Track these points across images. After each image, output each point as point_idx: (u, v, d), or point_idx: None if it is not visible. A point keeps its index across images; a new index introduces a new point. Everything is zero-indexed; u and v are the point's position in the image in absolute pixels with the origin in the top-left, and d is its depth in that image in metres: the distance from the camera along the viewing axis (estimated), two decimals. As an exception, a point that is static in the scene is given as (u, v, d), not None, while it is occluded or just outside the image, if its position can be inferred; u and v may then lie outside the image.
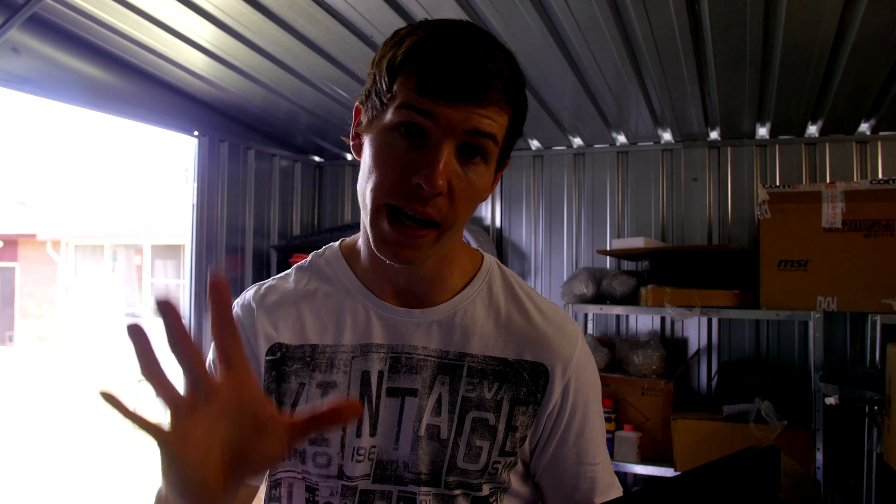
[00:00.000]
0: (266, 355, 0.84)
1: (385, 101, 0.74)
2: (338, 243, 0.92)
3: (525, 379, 0.83)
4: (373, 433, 0.82)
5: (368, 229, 0.76)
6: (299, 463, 0.82)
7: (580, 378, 0.86)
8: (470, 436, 0.81)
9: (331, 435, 0.81)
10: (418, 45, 0.72)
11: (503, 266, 0.92)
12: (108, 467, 5.74)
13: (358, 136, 0.81)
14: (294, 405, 0.83)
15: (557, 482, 0.87)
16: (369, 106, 0.77)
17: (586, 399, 0.86)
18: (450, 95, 0.70)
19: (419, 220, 0.73)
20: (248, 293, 0.89)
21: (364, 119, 0.79)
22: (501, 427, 0.82)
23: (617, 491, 0.90)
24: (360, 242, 0.87)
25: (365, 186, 0.76)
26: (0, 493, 5.14)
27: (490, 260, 0.91)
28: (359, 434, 0.81)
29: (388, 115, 0.74)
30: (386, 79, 0.74)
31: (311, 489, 0.82)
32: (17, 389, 9.18)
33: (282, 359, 0.84)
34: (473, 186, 0.75)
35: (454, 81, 0.70)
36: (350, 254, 0.89)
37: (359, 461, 0.81)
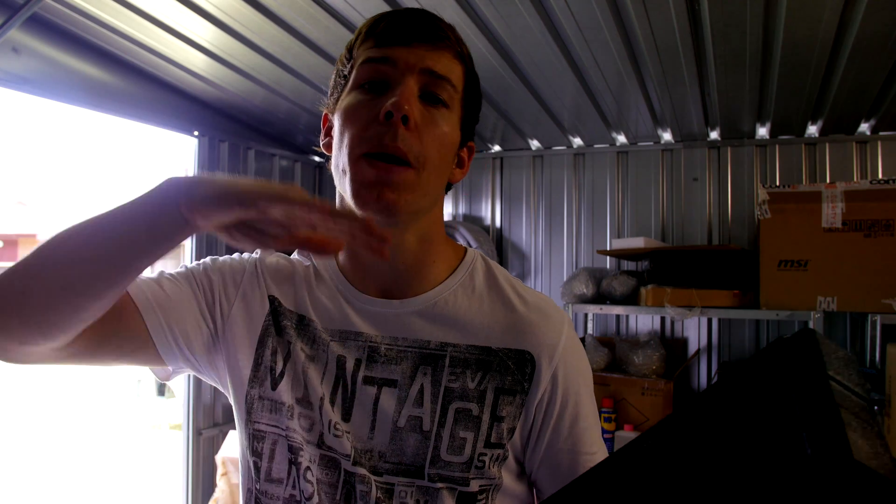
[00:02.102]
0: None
1: (347, 74, 0.81)
2: None
3: (510, 367, 0.81)
4: (346, 419, 0.81)
5: (348, 186, 0.77)
6: (286, 419, 0.82)
7: (569, 365, 0.83)
8: (453, 427, 0.79)
9: (314, 399, 0.82)
10: (372, 19, 0.81)
11: (487, 259, 0.92)
12: (108, 467, 5.74)
13: (328, 135, 0.86)
14: (286, 358, 0.84)
15: (554, 475, 0.83)
16: (334, 94, 0.84)
17: (577, 386, 0.84)
18: (404, 40, 0.77)
19: (393, 159, 0.75)
20: (256, 252, 0.94)
21: (332, 108, 0.84)
22: (486, 417, 0.80)
23: None
24: None
25: (338, 155, 0.79)
26: (1, 494, 5.14)
27: (474, 252, 0.91)
28: (333, 407, 0.82)
29: (351, 81, 0.80)
30: (346, 56, 0.82)
31: (294, 449, 0.81)
32: (17, 389, 9.17)
33: (276, 311, 0.87)
34: (440, 127, 0.79)
35: (407, 28, 0.78)
36: None
37: (337, 436, 0.80)
